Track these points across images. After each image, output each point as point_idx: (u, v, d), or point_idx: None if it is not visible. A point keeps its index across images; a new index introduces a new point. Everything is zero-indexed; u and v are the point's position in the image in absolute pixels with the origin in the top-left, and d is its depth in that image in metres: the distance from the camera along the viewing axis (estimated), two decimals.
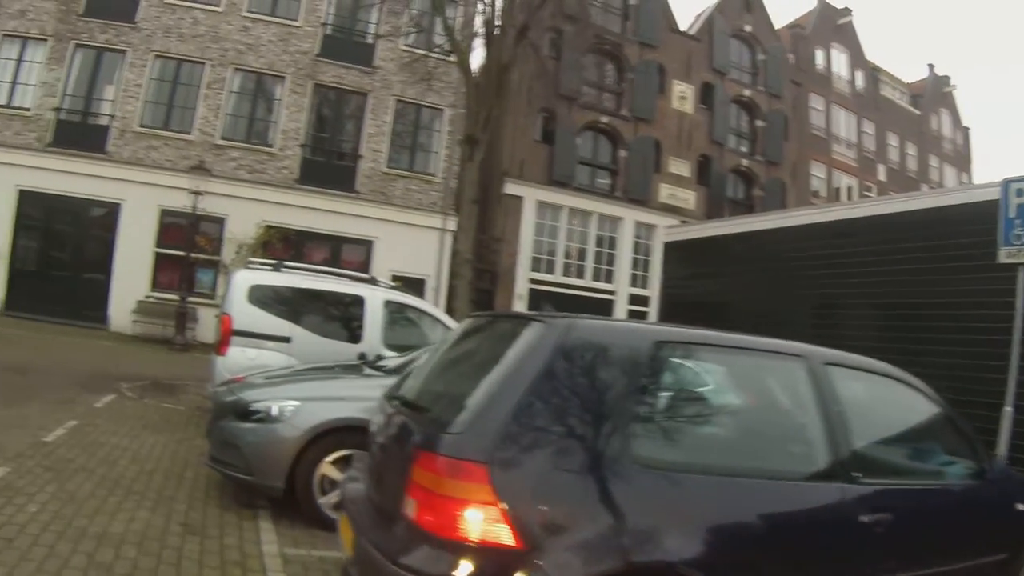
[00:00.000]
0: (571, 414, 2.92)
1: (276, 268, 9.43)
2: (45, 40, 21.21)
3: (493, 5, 19.08)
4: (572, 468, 2.79)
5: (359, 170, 21.55)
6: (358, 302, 9.00)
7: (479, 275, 21.03)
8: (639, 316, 23.37)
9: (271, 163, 21.08)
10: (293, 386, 6.12)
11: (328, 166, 21.63)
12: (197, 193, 19.05)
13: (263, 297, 8.71)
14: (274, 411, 5.54)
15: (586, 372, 3.04)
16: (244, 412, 5.69)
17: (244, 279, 8.77)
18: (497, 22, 18.51)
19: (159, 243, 20.66)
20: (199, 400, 10.51)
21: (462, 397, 3.08)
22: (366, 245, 21.62)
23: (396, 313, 9.38)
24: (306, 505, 5.44)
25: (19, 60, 21.42)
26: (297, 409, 5.53)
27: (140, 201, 20.44)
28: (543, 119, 24.11)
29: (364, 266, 21.06)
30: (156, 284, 20.57)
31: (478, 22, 19.78)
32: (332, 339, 8.71)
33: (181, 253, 20.05)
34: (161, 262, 20.71)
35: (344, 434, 5.41)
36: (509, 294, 22.83)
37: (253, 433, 5.54)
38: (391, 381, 5.55)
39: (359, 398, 5.46)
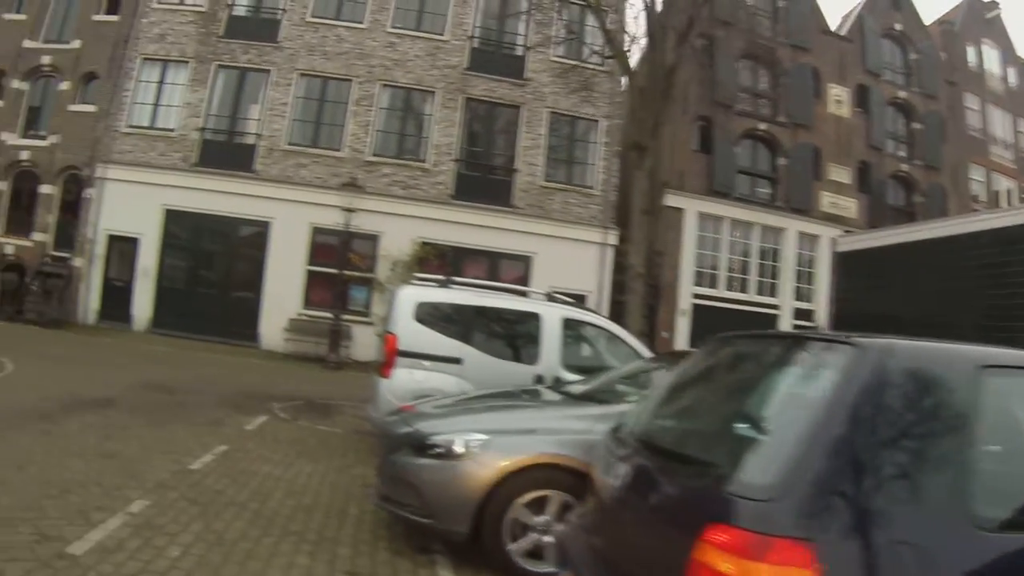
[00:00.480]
0: (899, 465, 2.32)
1: (444, 284, 8.77)
2: (186, 62, 21.05)
3: (653, 5, 18.18)
4: (908, 538, 2.21)
5: (515, 184, 20.74)
6: (534, 320, 8.29)
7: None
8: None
9: (425, 179, 20.37)
10: (476, 416, 5.55)
11: (483, 181, 20.87)
12: (349, 210, 18.33)
13: (430, 315, 8.14)
14: (458, 446, 4.87)
15: (914, 410, 2.44)
16: (422, 446, 5.03)
17: (410, 296, 8.23)
18: (659, 24, 17.59)
19: (311, 260, 20.09)
20: (357, 422, 10.00)
21: (748, 446, 2.54)
22: (524, 261, 20.74)
23: (575, 332, 8.64)
24: (494, 552, 4.75)
25: (160, 82, 21.33)
26: (485, 443, 4.88)
27: (290, 219, 19.89)
28: (700, 128, 23.06)
29: (523, 282, 20.16)
30: (308, 302, 20.02)
31: (635, 25, 18.99)
32: (506, 360, 8.10)
33: (334, 271, 19.45)
34: (313, 280, 20.14)
35: (539, 472, 4.77)
36: (672, 310, 21.65)
37: (433, 470, 4.89)
38: (584, 411, 5.32)
39: (554, 430, 5.03)
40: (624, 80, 19.49)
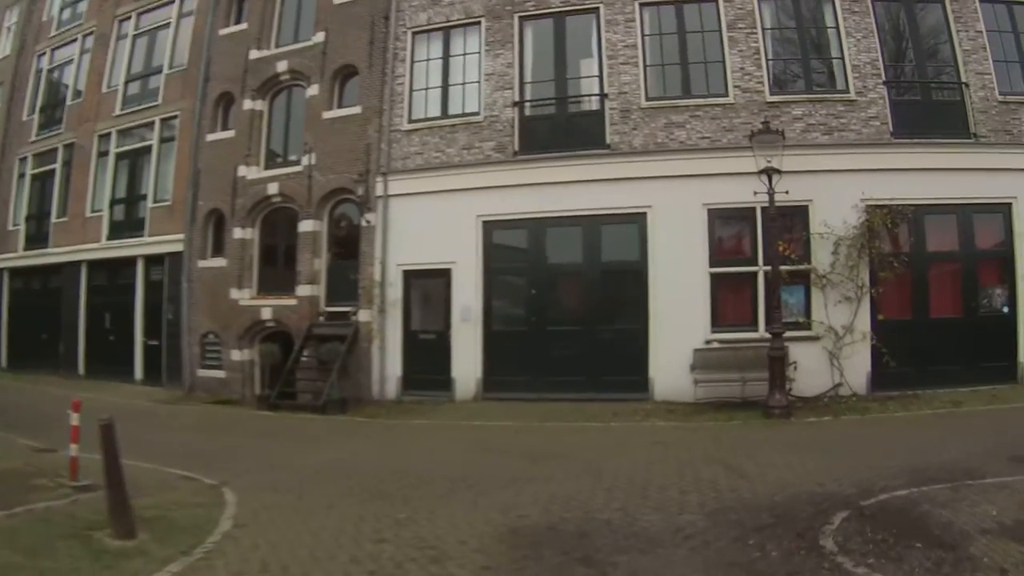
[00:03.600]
0: None
1: None
2: (476, 23, 14.55)
3: None
4: None
5: (968, 104, 12.98)
6: None
7: None
8: None
9: (851, 114, 12.88)
10: None
11: (926, 106, 13.33)
12: (770, 172, 10.88)
13: None
14: None
15: None
16: None
17: None
18: None
19: (714, 260, 12.46)
20: None
21: None
22: (1000, 212, 12.80)
23: None
24: None
25: (445, 57, 14.48)
26: None
27: (673, 203, 12.82)
28: None
29: (1004, 242, 12.33)
30: (717, 320, 12.71)
31: None
32: None
33: (750, 269, 12.22)
34: (721, 287, 12.88)
35: None
36: None
37: None
38: None
39: None
40: None
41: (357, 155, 14.69)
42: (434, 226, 13.73)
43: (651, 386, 12.65)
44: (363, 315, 14.29)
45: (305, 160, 15.22)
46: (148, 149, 18.47)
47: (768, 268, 11.85)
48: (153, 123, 18.35)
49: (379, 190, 14.31)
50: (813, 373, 11.99)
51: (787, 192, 11.38)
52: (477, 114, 13.96)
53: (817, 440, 9.11)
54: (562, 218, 13.26)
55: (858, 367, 12.08)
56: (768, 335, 11.25)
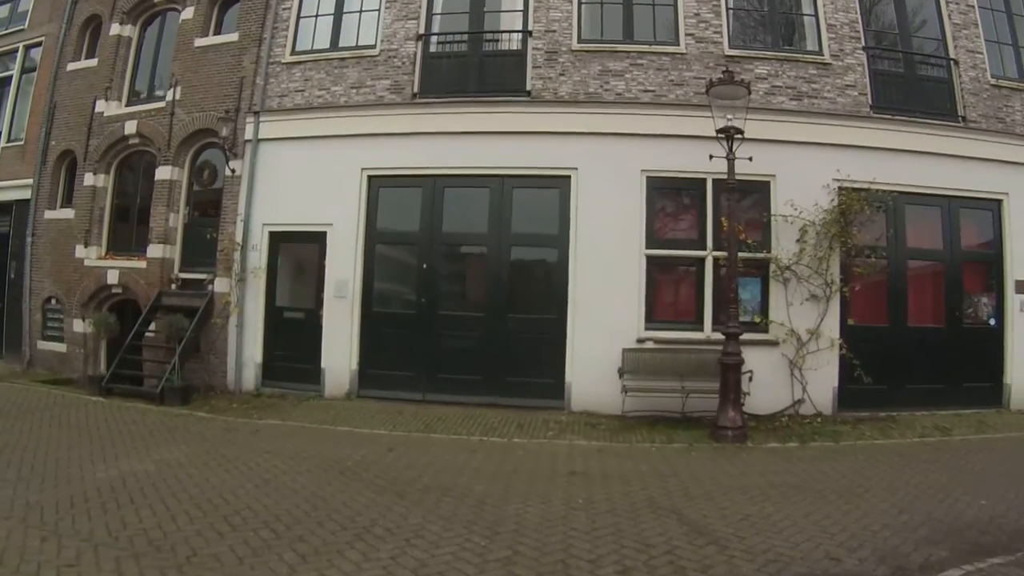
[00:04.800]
0: None
1: None
2: None
3: None
4: None
5: (957, 84, 9.88)
6: None
7: None
8: None
9: (825, 79, 9.65)
10: None
11: (910, 80, 10.20)
12: (730, 134, 7.64)
13: None
14: None
15: None
16: None
17: None
18: None
19: (651, 240, 9.05)
20: None
21: None
22: (989, 209, 9.68)
23: None
24: None
25: None
26: None
27: (605, 167, 9.61)
28: None
29: (993, 244, 9.26)
30: (654, 315, 9.37)
31: None
32: None
33: (697, 253, 9.24)
34: (658, 274, 9.44)
35: None
36: None
37: None
38: None
39: None
40: None
41: (228, 91, 11.00)
42: (310, 179, 10.18)
43: (568, 392, 9.29)
44: (220, 284, 10.62)
45: (169, 95, 11.42)
46: (8, 81, 14.42)
47: (719, 253, 8.85)
48: (17, 51, 14.33)
49: (249, 133, 10.64)
50: (769, 386, 8.87)
51: (751, 159, 8.14)
52: (373, 47, 10.39)
53: (793, 478, 6.02)
54: (466, 177, 9.79)
55: (824, 381, 8.99)
56: (718, 336, 8.15)
